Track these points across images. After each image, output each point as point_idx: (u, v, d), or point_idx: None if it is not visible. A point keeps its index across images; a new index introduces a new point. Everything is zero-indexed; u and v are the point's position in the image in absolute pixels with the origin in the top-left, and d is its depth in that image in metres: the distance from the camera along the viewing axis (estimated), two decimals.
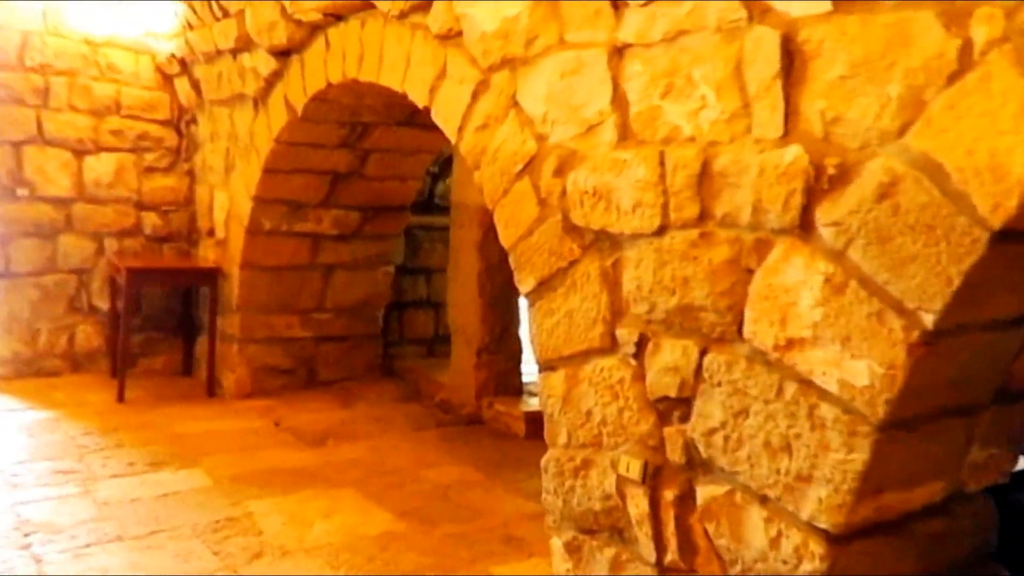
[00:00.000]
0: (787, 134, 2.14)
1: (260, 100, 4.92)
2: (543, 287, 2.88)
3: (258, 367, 5.41)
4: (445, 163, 5.87)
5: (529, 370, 5.79)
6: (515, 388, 5.39)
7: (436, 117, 3.39)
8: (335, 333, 5.74)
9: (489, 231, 5.11)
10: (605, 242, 2.65)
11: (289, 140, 4.82)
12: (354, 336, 5.84)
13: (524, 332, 5.50)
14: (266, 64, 4.63)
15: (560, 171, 2.79)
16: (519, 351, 5.44)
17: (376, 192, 5.47)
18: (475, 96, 3.14)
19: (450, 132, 3.30)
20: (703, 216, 2.35)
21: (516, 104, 2.96)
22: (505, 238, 3.03)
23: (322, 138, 4.89)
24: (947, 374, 2.00)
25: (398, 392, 5.75)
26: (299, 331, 5.58)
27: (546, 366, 2.89)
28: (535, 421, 5.00)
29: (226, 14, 4.80)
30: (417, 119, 4.97)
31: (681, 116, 2.40)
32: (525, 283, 2.95)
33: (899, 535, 2.25)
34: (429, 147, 5.37)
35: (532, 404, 5.16)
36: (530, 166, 2.91)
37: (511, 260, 3.02)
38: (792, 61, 2.13)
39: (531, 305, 2.94)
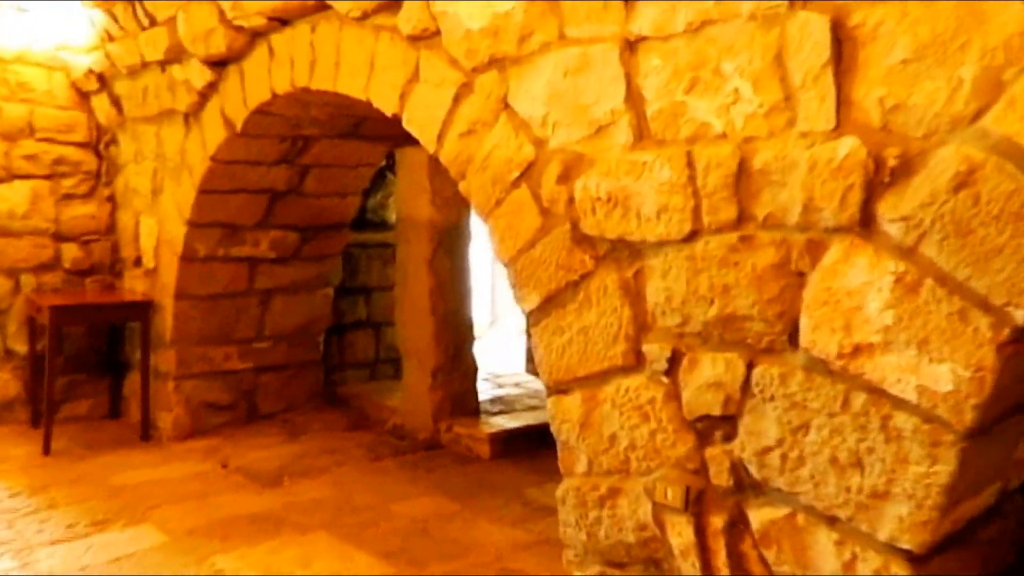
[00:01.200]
0: (839, 126, 1.99)
1: (193, 115, 4.54)
2: (550, 304, 2.66)
3: (196, 404, 5.00)
4: (376, 177, 5.57)
5: (484, 388, 5.60)
6: (472, 409, 5.14)
7: (409, 125, 3.13)
8: (275, 362, 5.38)
9: (439, 246, 4.88)
10: (623, 252, 2.45)
11: (226, 158, 4.46)
12: (295, 364, 5.49)
13: (478, 350, 5.28)
14: (200, 75, 4.27)
15: (566, 177, 2.58)
16: (474, 370, 5.20)
17: (315, 210, 5.15)
18: (457, 100, 2.90)
19: (427, 140, 3.05)
20: (742, 218, 2.17)
21: (507, 107, 2.74)
22: (501, 252, 2.79)
23: (261, 154, 4.55)
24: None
25: (345, 420, 5.42)
26: (238, 362, 5.19)
27: (557, 389, 2.67)
28: (500, 442, 4.80)
29: (153, 22, 4.40)
30: (361, 131, 4.71)
31: (710, 112, 2.22)
32: (527, 300, 2.72)
33: (965, 545, 2.11)
34: (371, 160, 5.09)
35: (494, 424, 4.93)
36: (528, 173, 2.69)
37: (509, 276, 2.79)
38: (840, 47, 1.98)
39: (535, 324, 2.72)
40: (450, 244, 4.97)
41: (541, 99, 2.63)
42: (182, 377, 4.93)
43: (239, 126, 4.24)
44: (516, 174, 2.72)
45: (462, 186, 2.93)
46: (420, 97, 3.06)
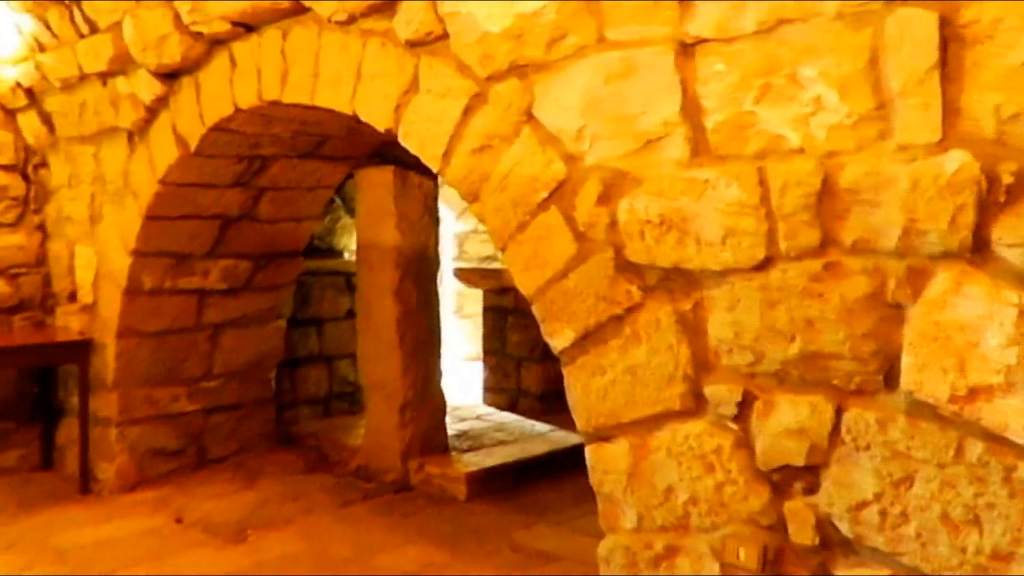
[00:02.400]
0: (944, 138, 1.76)
1: (138, 133, 4.11)
2: (588, 340, 2.37)
3: (142, 452, 4.52)
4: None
5: (452, 423, 5.25)
6: (442, 446, 4.80)
7: (406, 140, 2.81)
8: (226, 402, 4.93)
9: (406, 274, 4.55)
10: (678, 281, 2.18)
11: (177, 180, 4.04)
12: (246, 403, 5.05)
13: (447, 384, 4.96)
14: (149, 88, 3.85)
15: (606, 197, 2.30)
16: (443, 404, 4.86)
17: (269, 237, 4.75)
18: (468, 112, 2.60)
19: (429, 157, 2.74)
20: (825, 243, 1.93)
21: (531, 119, 2.46)
22: (525, 283, 2.49)
23: (215, 176, 4.14)
24: None
25: (302, 462, 5.00)
26: (186, 404, 4.73)
27: (597, 435, 2.38)
28: (478, 482, 4.47)
29: (94, 28, 3.96)
30: (323, 150, 4.36)
31: (784, 123, 1.98)
32: (560, 336, 2.42)
33: None
34: (329, 182, 4.73)
35: (469, 462, 4.60)
36: (559, 193, 2.41)
37: (535, 309, 2.48)
38: (947, 49, 1.75)
39: (568, 362, 2.42)
40: (417, 271, 4.63)
41: (575, 110, 2.34)
42: (126, 423, 4.45)
43: (193, 145, 3.83)
44: (543, 194, 2.43)
45: (474, 209, 2.63)
46: (420, 109, 2.75)
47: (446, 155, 2.67)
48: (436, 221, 4.74)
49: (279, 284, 5.00)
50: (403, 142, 2.82)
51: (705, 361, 2.14)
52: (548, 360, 5.85)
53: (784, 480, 2.03)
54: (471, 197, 2.62)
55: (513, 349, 5.99)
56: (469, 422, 5.58)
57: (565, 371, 2.44)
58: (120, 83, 4.03)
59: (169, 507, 4.20)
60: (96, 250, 4.52)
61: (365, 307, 4.75)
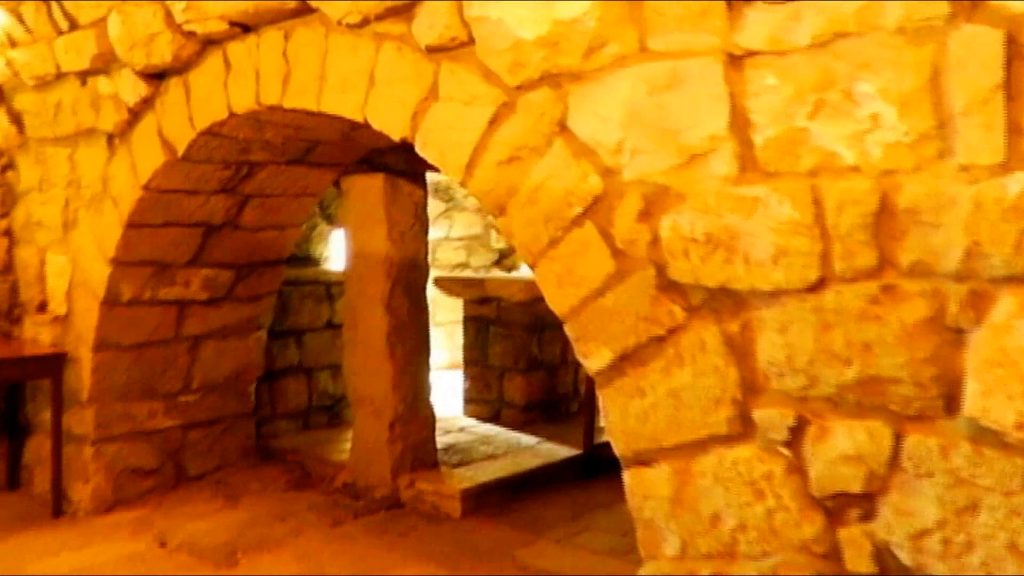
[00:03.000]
0: (1008, 159, 1.72)
1: (119, 136, 3.93)
2: (627, 362, 2.28)
3: (119, 471, 4.33)
4: None
5: (441, 437, 5.12)
6: (431, 460, 4.68)
7: (425, 150, 2.70)
8: (204, 417, 4.76)
9: (397, 284, 4.43)
10: (724, 302, 2.11)
11: (162, 186, 3.88)
12: (226, 417, 4.88)
13: (435, 397, 4.84)
14: (134, 89, 3.68)
15: (647, 214, 2.23)
16: (432, 418, 4.75)
17: (251, 245, 4.59)
18: (495, 122, 2.50)
19: (451, 168, 2.63)
20: (882, 264, 1.87)
21: (565, 130, 2.37)
22: (557, 301, 2.40)
23: (200, 182, 3.98)
24: None
25: (285, 479, 4.85)
26: (164, 419, 4.55)
27: (636, 460, 2.29)
28: (473, 498, 4.36)
29: (75, 24, 3.77)
30: (312, 156, 4.22)
31: (839, 140, 1.92)
32: (595, 357, 2.34)
33: None
34: (315, 189, 4.59)
35: (463, 478, 4.49)
36: (595, 208, 2.32)
37: (568, 329, 2.39)
38: (1011, 67, 1.71)
39: (605, 384, 2.33)
40: (408, 281, 4.51)
41: (614, 122, 2.26)
42: (102, 440, 4.25)
43: (181, 149, 3.68)
44: (578, 209, 2.35)
45: (501, 223, 2.53)
46: (440, 118, 2.64)
47: (469, 166, 2.57)
48: (425, 230, 4.63)
49: (261, 294, 4.85)
50: (421, 151, 2.71)
51: (754, 384, 2.07)
52: (532, 371, 5.78)
53: (839, 507, 1.97)
54: (497, 210, 2.52)
55: (495, 360, 5.89)
56: (453, 435, 5.48)
57: (601, 393, 2.36)
58: (102, 83, 3.85)
59: (150, 529, 4.02)
60: (70, 258, 4.33)
61: (353, 318, 4.61)
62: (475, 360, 5.99)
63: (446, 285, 6.26)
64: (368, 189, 4.45)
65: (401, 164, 4.47)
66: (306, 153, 4.14)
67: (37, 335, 4.55)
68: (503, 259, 8.71)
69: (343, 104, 2.94)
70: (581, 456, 4.97)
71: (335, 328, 5.68)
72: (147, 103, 3.75)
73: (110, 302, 4.13)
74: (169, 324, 4.45)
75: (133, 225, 3.98)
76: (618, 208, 2.28)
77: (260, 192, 4.32)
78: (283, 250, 4.81)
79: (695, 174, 2.13)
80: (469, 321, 6.06)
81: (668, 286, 2.19)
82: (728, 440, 2.12)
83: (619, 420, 2.32)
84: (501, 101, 2.49)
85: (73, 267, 4.28)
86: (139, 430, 4.44)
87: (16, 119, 4.48)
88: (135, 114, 3.80)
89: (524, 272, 7.77)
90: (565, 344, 6.07)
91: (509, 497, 4.48)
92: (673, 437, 2.20)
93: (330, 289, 5.66)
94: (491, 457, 4.91)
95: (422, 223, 4.58)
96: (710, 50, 2.08)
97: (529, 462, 4.79)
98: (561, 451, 5.04)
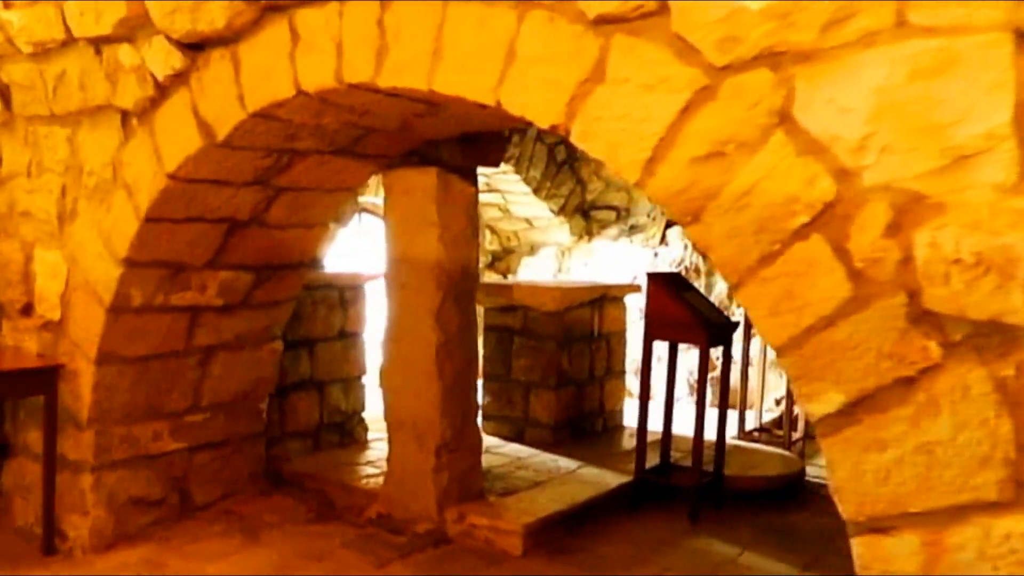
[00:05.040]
0: None
1: (139, 116, 3.32)
2: (861, 407, 1.85)
3: (122, 502, 3.72)
4: None
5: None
6: (478, 491, 4.18)
7: (586, 141, 2.22)
8: (212, 438, 4.17)
9: (448, 294, 3.92)
10: (992, 338, 1.71)
11: (191, 175, 3.29)
12: (235, 439, 4.29)
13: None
14: (167, 61, 3.09)
15: (898, 227, 1.80)
16: (479, 445, 4.25)
17: (275, 244, 4.02)
18: (689, 109, 2.03)
19: (624, 165, 2.15)
20: None
21: (788, 120, 1.91)
22: (771, 331, 1.95)
23: (234, 172, 3.41)
24: None
25: (304, 508, 4.29)
26: (169, 442, 3.95)
27: (871, 526, 1.86)
28: (535, 535, 3.87)
29: None
30: (359, 147, 3.67)
31: None
32: (821, 400, 1.90)
33: None
34: (352, 182, 4.04)
35: (518, 510, 3.99)
36: (825, 217, 1.88)
37: (786, 364, 1.95)
38: None
39: (831, 433, 1.90)
40: (459, 291, 4.00)
41: (860, 113, 1.82)
42: (103, 467, 3.64)
43: (222, 133, 3.11)
44: (803, 219, 1.90)
45: (694, 231, 2.06)
46: (608, 103, 2.16)
47: (651, 163, 2.09)
48: (477, 234, 4.12)
49: (279, 300, 4.27)
50: (580, 143, 2.23)
51: None
52: (562, 387, 5.32)
53: None
54: (689, 217, 2.06)
55: (520, 374, 5.40)
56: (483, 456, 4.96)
57: (825, 443, 1.91)
58: (123, 52, 3.23)
59: (161, 571, 3.43)
60: (66, 255, 3.69)
61: (395, 332, 4.07)
62: (497, 374, 5.49)
63: None
64: (417, 185, 3.91)
65: (457, 158, 3.94)
66: (355, 142, 3.60)
67: (20, 343, 3.88)
68: (495, 262, 8.22)
69: (467, 84, 2.43)
70: (631, 484, 4.53)
71: (348, 337, 5.13)
72: (180, 78, 3.16)
73: (118, 308, 3.52)
74: (179, 334, 3.85)
75: (153, 220, 3.39)
76: (857, 219, 1.84)
77: (294, 185, 3.75)
78: (308, 251, 4.25)
79: (962, 180, 1.72)
80: (490, 331, 5.54)
81: (921, 317, 1.78)
82: (997, 508, 1.72)
83: (850, 477, 1.88)
84: (700, 84, 2.02)
85: (70, 266, 3.64)
86: (142, 454, 3.83)
87: (2, 92, 3.80)
88: (163, 90, 3.21)
89: (544, 278, 7.31)
90: (593, 358, 5.62)
91: (565, 531, 4.01)
92: (923, 501, 1.78)
93: (343, 294, 5.09)
94: (537, 485, 4.43)
95: (474, 226, 4.07)
96: (992, 25, 1.68)
97: (582, 491, 4.33)
98: (609, 478, 4.59)
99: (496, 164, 4.45)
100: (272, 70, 2.91)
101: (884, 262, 1.82)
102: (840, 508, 1.91)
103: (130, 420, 3.76)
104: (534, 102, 2.29)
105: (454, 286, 3.95)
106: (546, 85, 2.26)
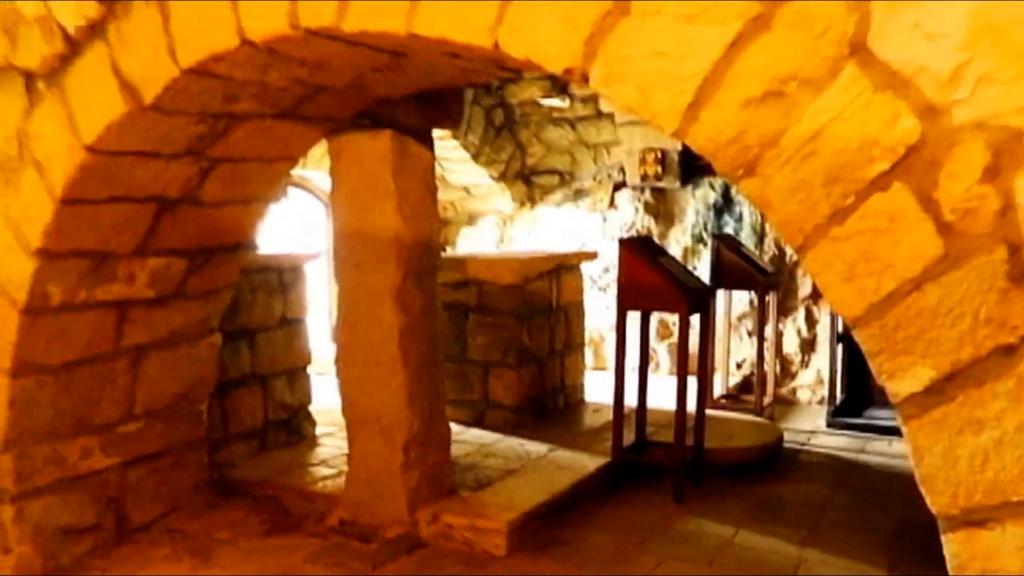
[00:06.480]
0: None
1: (48, 78, 2.82)
2: (953, 382, 1.58)
3: (50, 533, 3.23)
4: None
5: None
6: (448, 486, 3.82)
7: (610, 85, 1.86)
8: (149, 449, 3.69)
9: (409, 273, 3.53)
10: None
11: (114, 146, 2.81)
12: (174, 447, 3.82)
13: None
14: (78, 9, 2.59)
15: (996, 170, 1.52)
16: (449, 436, 3.88)
17: (210, 224, 3.55)
18: (739, 42, 1.70)
19: (659, 111, 1.80)
20: None
21: (862, 51, 1.59)
22: (846, 300, 1.66)
23: (164, 141, 2.94)
24: None
25: (258, 520, 3.86)
26: (100, 458, 3.47)
27: (966, 518, 1.60)
28: (518, 532, 3.54)
29: None
30: (306, 108, 3.24)
31: None
32: (907, 377, 1.62)
33: None
34: (295, 151, 3.59)
35: (497, 505, 3.66)
36: (909, 163, 1.58)
37: (863, 336, 1.65)
38: None
39: (918, 414, 1.62)
40: (421, 269, 3.61)
41: (953, 39, 1.53)
42: (25, 496, 3.15)
43: (151, 94, 2.64)
44: (883, 166, 1.60)
45: (749, 186, 1.73)
46: (638, 40, 1.80)
47: (693, 106, 1.75)
48: (436, 203, 3.72)
49: (217, 288, 3.80)
50: (602, 88, 1.87)
51: None
52: (524, 366, 4.99)
53: None
54: (741, 170, 1.73)
55: (477, 353, 5.04)
56: None
57: (909, 426, 1.63)
58: (25, 3, 2.72)
59: None
60: None
61: (350, 316, 3.66)
62: (451, 355, 5.10)
63: None
64: (369, 151, 3.50)
65: (414, 119, 3.52)
66: (300, 103, 3.15)
67: None
68: None
69: (457, 24, 2.04)
70: (610, 466, 4.24)
71: (290, 325, 4.69)
72: (95, 30, 2.67)
73: (34, 309, 3.02)
74: (107, 334, 3.37)
75: (70, 201, 2.90)
76: (947, 164, 1.56)
77: (230, 156, 3.29)
78: (246, 231, 3.79)
79: None
80: (442, 309, 5.15)
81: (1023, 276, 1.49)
82: None
83: (941, 464, 1.62)
84: (752, 13, 1.68)
85: None
86: (71, 476, 3.36)
87: None
88: (76, 45, 2.71)
89: (487, 250, 6.94)
90: (552, 332, 5.31)
91: (548, 523, 3.70)
92: None
93: (283, 278, 4.64)
94: (509, 473, 4.10)
95: (433, 195, 3.68)
96: None
97: (560, 478, 4.02)
98: (585, 460, 4.29)
99: (456, 125, 4.05)
100: (210, 16, 2.45)
101: (980, 212, 1.53)
102: (929, 501, 1.64)
103: (54, 438, 3.27)
104: (542, 42, 1.92)
105: (415, 262, 3.56)
106: (556, 20, 1.89)
